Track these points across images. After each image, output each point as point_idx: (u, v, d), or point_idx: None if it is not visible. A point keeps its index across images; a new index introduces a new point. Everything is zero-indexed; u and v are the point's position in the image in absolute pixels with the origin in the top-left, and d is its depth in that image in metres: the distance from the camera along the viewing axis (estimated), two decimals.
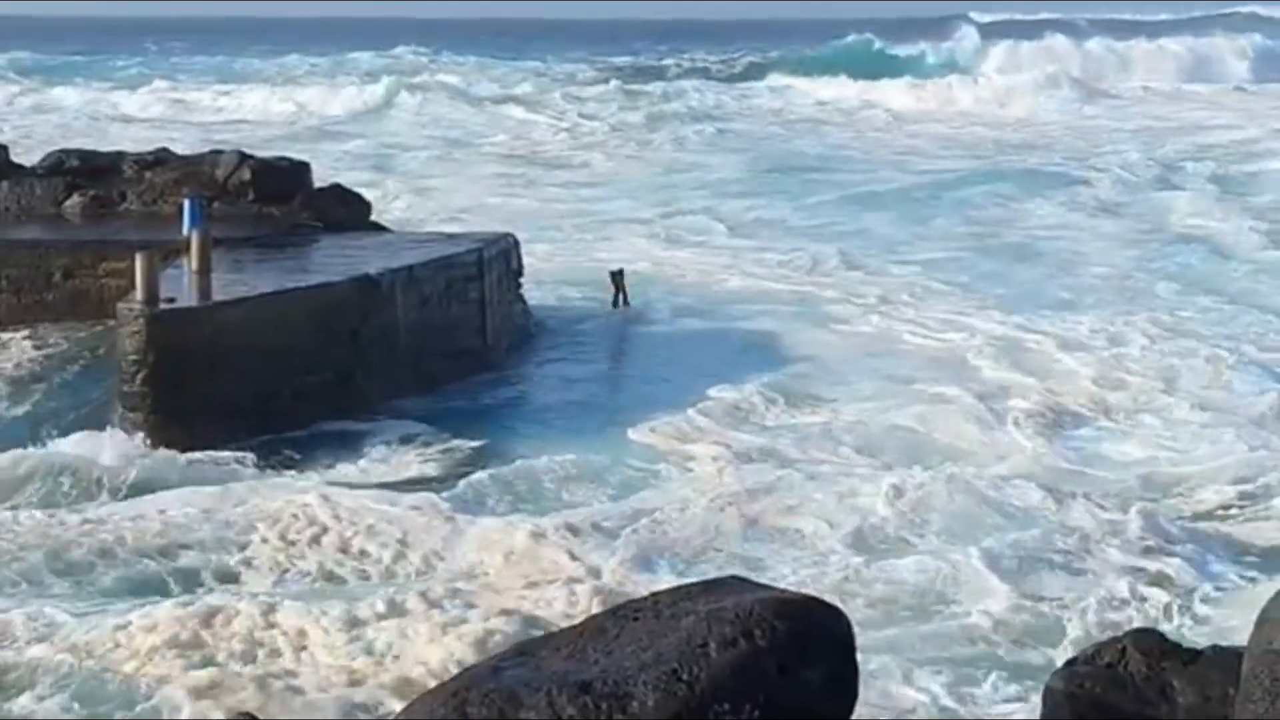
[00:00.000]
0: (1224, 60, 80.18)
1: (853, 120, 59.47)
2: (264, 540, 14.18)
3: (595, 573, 13.50)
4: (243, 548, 14.09)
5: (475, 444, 17.25)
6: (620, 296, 23.94)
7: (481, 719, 5.00)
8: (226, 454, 16.10)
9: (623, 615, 5.56)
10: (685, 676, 5.00)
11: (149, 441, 16.15)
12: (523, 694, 5.10)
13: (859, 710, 5.36)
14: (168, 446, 16.13)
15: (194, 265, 18.06)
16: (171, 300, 16.87)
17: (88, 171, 23.76)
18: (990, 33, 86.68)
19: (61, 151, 24.86)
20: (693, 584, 5.63)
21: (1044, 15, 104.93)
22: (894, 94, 66.31)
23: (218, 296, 17.37)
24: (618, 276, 24.02)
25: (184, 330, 16.71)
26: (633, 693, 5.00)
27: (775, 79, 74.32)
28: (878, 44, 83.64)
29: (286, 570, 13.78)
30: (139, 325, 16.38)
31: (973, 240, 31.25)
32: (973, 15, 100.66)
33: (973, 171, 41.33)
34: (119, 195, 23.34)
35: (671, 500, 15.53)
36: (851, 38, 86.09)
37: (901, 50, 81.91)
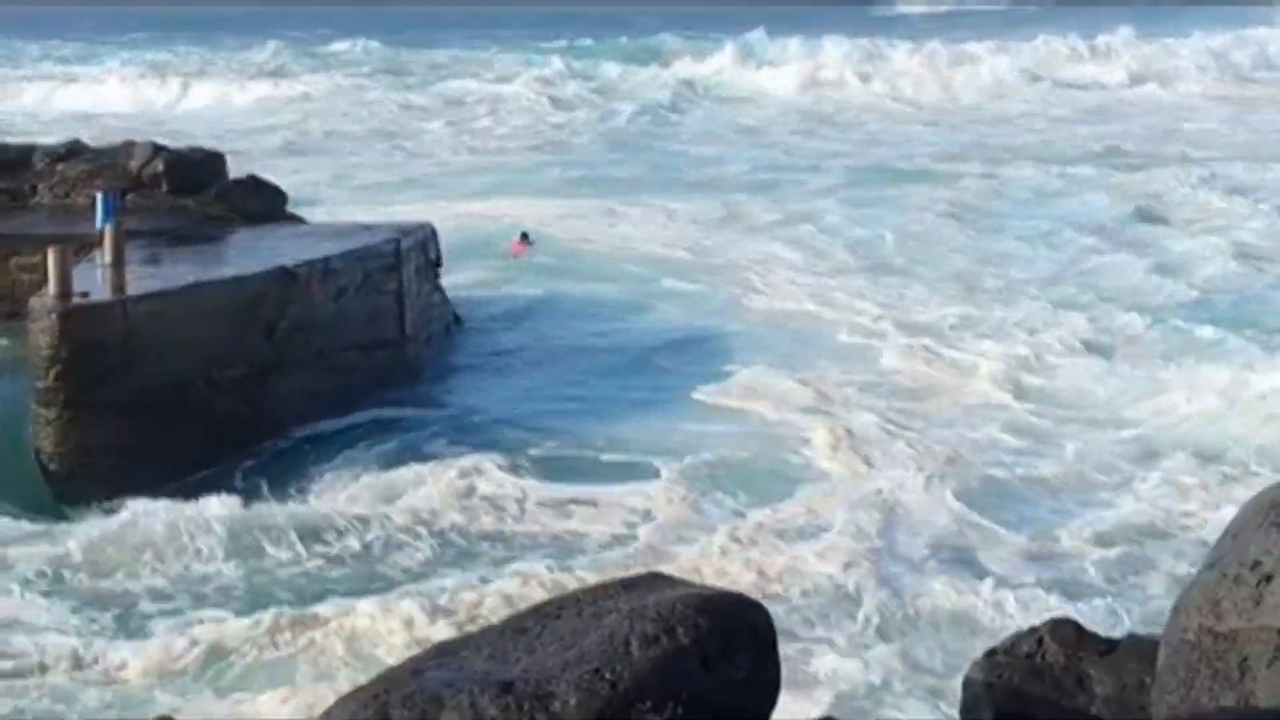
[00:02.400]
0: None
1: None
2: None
3: None
4: None
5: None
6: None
7: None
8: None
9: (544, 614, 5.54)
10: (608, 675, 4.99)
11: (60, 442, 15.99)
12: (445, 695, 5.07)
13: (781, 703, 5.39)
14: (78, 444, 15.98)
15: (108, 259, 17.82)
16: (85, 295, 16.63)
17: None
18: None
19: None
20: (614, 581, 5.62)
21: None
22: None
23: (132, 291, 17.15)
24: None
25: (98, 325, 16.49)
26: (555, 692, 4.99)
27: None
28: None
29: None
30: (52, 320, 16.14)
31: None
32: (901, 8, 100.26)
33: None
34: (30, 189, 22.99)
35: None
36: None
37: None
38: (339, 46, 74.64)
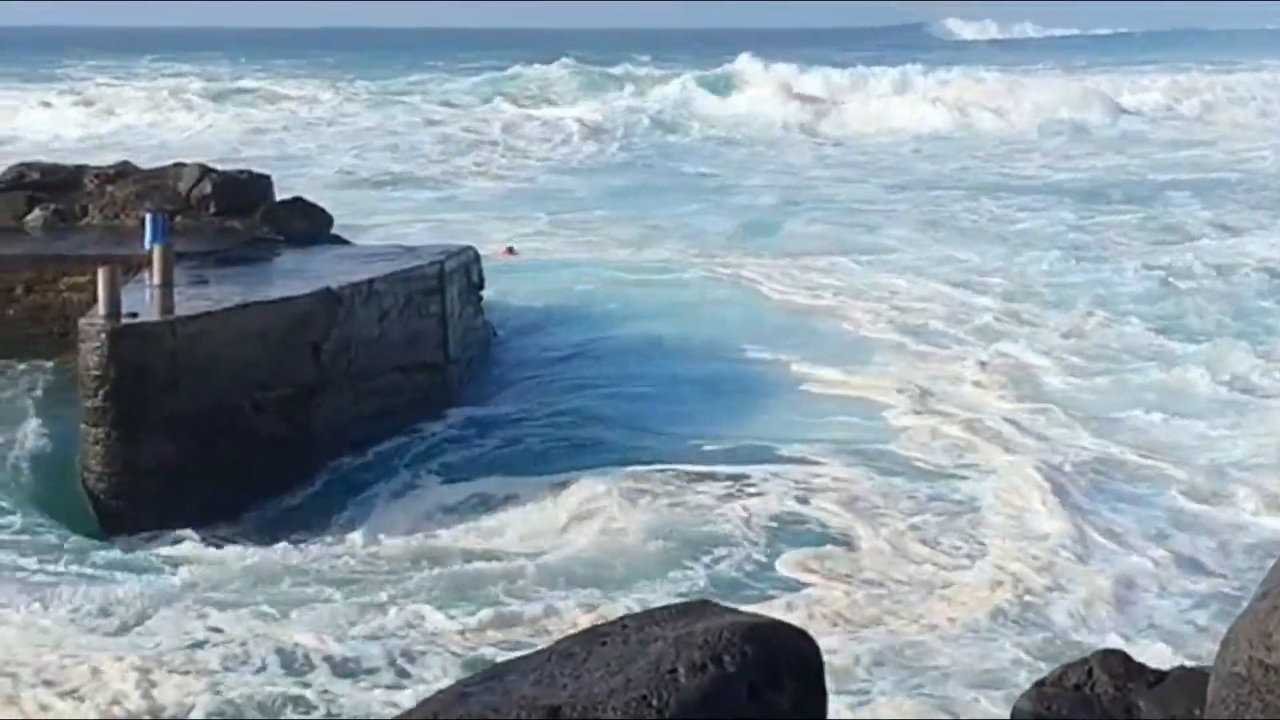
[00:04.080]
0: None
1: None
2: None
3: None
4: None
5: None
6: None
7: None
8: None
9: (591, 639, 5.56)
10: (655, 702, 5.00)
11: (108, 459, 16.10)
12: (491, 719, 5.09)
13: None
14: (124, 464, 16.09)
15: (156, 279, 17.95)
16: (134, 315, 16.77)
17: (49, 185, 23.61)
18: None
19: (23, 165, 24.69)
20: (661, 608, 5.63)
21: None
22: None
23: (180, 311, 17.27)
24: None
25: (146, 345, 16.61)
26: (602, 718, 5.00)
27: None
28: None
29: None
30: (101, 340, 16.28)
31: None
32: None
33: None
34: (80, 209, 23.21)
35: None
36: None
37: None
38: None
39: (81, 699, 11.70)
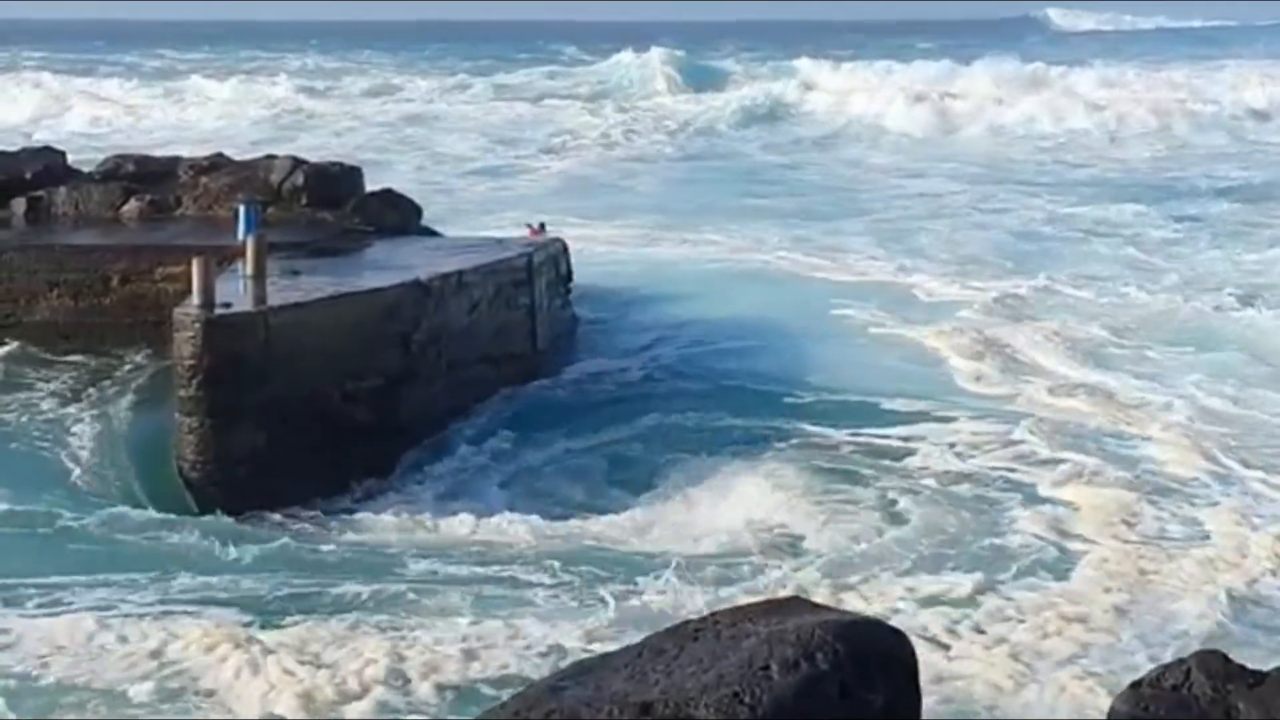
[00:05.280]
0: None
1: None
2: None
3: None
4: None
5: None
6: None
7: None
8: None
9: (682, 635, 5.54)
10: (747, 699, 4.98)
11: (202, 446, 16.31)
12: (584, 714, 5.09)
13: None
14: (218, 452, 16.29)
15: (249, 270, 18.15)
16: (228, 305, 16.96)
17: (144, 176, 23.97)
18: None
19: (118, 156, 25.11)
20: (753, 604, 5.61)
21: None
22: None
23: (273, 301, 17.45)
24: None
25: (239, 335, 16.80)
26: (694, 715, 4.99)
27: None
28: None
29: None
30: (196, 330, 16.48)
31: None
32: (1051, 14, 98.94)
33: None
34: (175, 200, 23.53)
35: None
36: None
37: None
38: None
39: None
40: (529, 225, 23.85)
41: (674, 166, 46.70)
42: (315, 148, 39.68)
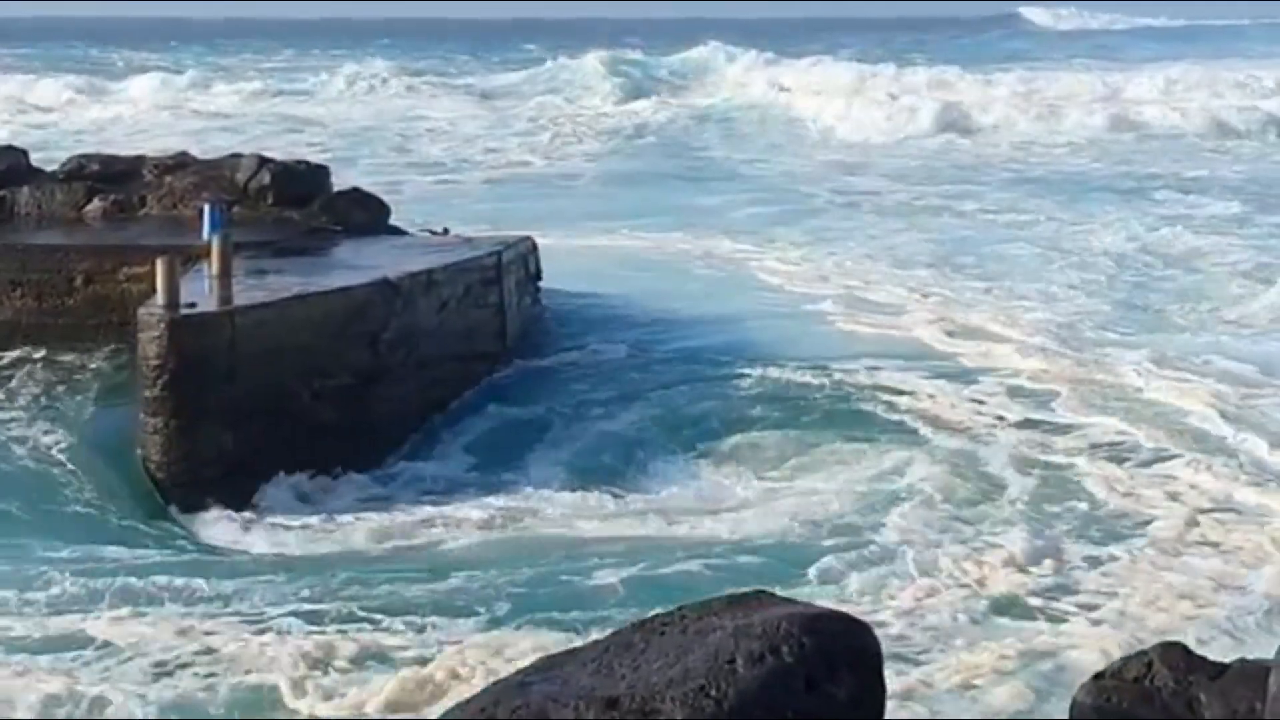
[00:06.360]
0: None
1: None
2: None
3: None
4: None
5: None
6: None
7: None
8: None
9: (649, 629, 5.57)
10: (713, 693, 5.00)
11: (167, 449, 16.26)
12: (550, 709, 5.11)
13: None
14: (185, 452, 16.24)
15: (215, 270, 18.10)
16: (193, 305, 16.91)
17: (108, 176, 23.82)
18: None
19: (82, 156, 24.94)
20: (719, 598, 5.63)
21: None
22: None
23: (239, 301, 17.40)
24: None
25: (205, 335, 16.75)
26: (660, 709, 5.01)
27: None
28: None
29: None
30: (161, 330, 16.42)
31: None
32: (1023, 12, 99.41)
33: None
34: (139, 200, 23.41)
35: None
36: None
37: None
38: None
39: None
40: (430, 230, 23.49)
41: (609, 169, 46.64)
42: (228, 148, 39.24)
